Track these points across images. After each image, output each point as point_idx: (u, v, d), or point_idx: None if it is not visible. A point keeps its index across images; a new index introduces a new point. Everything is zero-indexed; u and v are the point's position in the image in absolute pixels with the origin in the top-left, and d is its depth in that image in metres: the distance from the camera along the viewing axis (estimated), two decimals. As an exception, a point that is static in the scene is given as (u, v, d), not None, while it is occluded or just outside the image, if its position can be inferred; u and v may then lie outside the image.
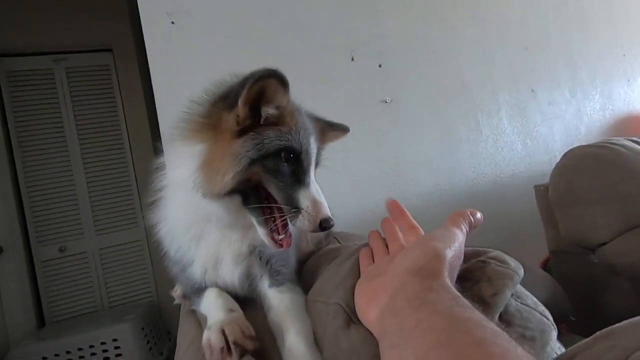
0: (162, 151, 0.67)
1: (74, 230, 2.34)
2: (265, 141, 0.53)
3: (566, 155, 1.32)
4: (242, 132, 0.53)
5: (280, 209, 0.54)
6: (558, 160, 1.33)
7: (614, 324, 0.34)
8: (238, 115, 0.53)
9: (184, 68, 1.34)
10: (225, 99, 0.54)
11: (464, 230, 0.46)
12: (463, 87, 1.74)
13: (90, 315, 2.29)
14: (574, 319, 1.03)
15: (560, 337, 0.44)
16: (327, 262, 0.63)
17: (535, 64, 1.89)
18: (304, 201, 0.53)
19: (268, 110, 0.54)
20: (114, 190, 2.42)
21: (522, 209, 1.75)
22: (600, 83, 2.05)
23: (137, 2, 1.31)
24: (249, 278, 0.62)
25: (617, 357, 0.28)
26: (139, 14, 1.31)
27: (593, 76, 2.03)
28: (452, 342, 0.28)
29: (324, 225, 0.53)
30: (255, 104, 0.53)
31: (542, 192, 1.38)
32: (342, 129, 0.70)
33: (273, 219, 0.55)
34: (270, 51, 1.44)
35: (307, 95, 1.46)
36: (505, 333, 0.30)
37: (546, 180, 1.36)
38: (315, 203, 0.54)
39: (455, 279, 0.42)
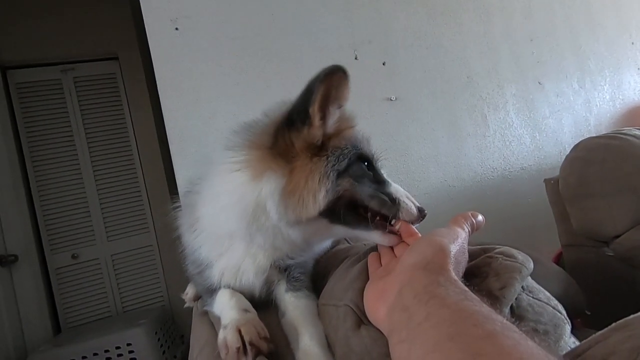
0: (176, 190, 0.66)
1: (86, 237, 2.37)
2: (345, 151, 0.53)
3: (576, 147, 1.30)
4: (320, 150, 0.53)
5: (374, 214, 0.53)
6: (568, 153, 1.31)
7: (630, 316, 0.33)
8: (313, 126, 0.52)
9: (189, 73, 1.35)
10: (292, 120, 0.53)
11: (466, 230, 0.48)
12: (469, 82, 1.72)
13: (105, 321, 2.33)
14: (589, 313, 1.01)
15: (575, 332, 0.43)
16: (337, 263, 0.64)
17: (541, 55, 1.87)
18: (398, 194, 0.54)
19: (335, 114, 0.54)
20: (124, 197, 2.45)
21: (532, 203, 1.73)
22: (609, 73, 2.01)
23: (141, 10, 1.32)
24: (267, 284, 0.63)
25: (633, 347, 0.27)
26: (143, 21, 1.33)
27: (601, 66, 1.99)
28: (462, 335, 0.28)
29: (422, 213, 0.54)
30: (325, 108, 0.53)
31: (552, 185, 1.36)
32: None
33: (373, 220, 0.53)
34: (275, 53, 1.45)
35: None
36: (514, 326, 0.30)
37: (556, 173, 1.34)
38: (407, 196, 0.55)
39: (461, 274, 0.42)
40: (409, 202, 0.54)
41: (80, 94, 2.42)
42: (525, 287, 0.42)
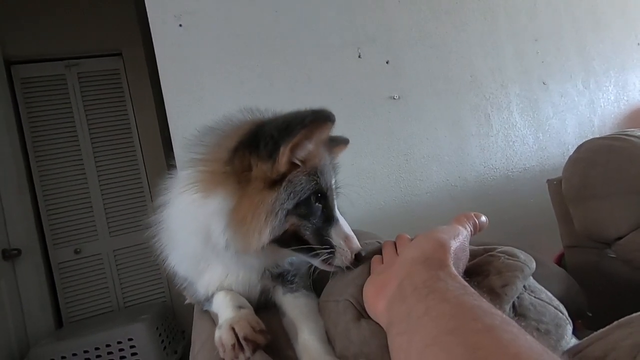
0: (175, 166, 0.63)
1: (89, 233, 2.39)
2: (297, 188, 0.51)
3: (580, 148, 1.29)
4: (274, 182, 0.50)
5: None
6: (571, 154, 1.31)
7: (632, 318, 0.33)
8: (279, 163, 0.49)
9: (193, 70, 1.35)
10: (253, 146, 0.49)
11: (468, 229, 0.48)
12: (472, 81, 1.72)
13: (106, 316, 2.34)
14: (590, 314, 1.01)
15: (576, 333, 0.43)
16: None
17: (546, 55, 1.86)
18: (337, 239, 0.53)
19: (306, 149, 0.51)
20: (126, 192, 2.46)
21: (534, 204, 1.72)
22: (614, 73, 2.00)
23: (145, 6, 1.32)
24: (264, 293, 0.63)
25: (634, 344, 0.28)
26: (147, 17, 1.33)
27: (606, 66, 1.98)
28: (461, 328, 0.29)
29: (358, 258, 0.54)
30: (297, 148, 0.51)
31: (555, 186, 1.36)
32: (343, 142, 0.69)
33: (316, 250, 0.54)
34: (277, 50, 1.45)
35: (314, 94, 1.48)
36: (513, 321, 0.30)
37: (559, 174, 1.34)
38: (347, 238, 0.54)
39: (462, 271, 0.42)
40: (348, 246, 0.53)
41: (84, 89, 2.42)
42: (527, 286, 0.43)
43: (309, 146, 0.52)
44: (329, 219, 0.54)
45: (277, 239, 0.51)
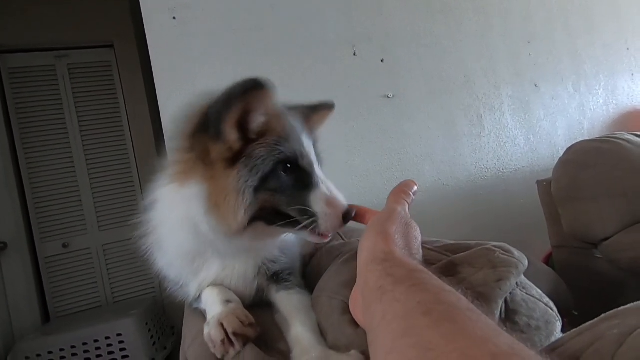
0: (165, 154, 0.62)
1: (78, 227, 2.35)
2: (257, 162, 0.49)
3: (569, 150, 1.31)
4: (233, 160, 0.49)
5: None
6: (561, 155, 1.33)
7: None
8: (227, 141, 0.48)
9: (186, 63, 1.34)
10: (205, 129, 0.49)
11: (403, 202, 0.47)
12: (465, 82, 1.73)
13: (95, 311, 2.31)
14: (576, 313, 1.03)
15: (564, 332, 0.44)
16: (331, 260, 0.64)
17: (538, 58, 1.88)
18: (317, 205, 0.51)
19: (256, 122, 0.50)
20: (116, 186, 2.43)
21: (524, 204, 1.74)
22: (604, 77, 2.03)
23: (138, -2, 1.30)
24: (259, 292, 0.63)
25: (621, 334, 0.28)
26: (140, 9, 1.31)
27: (597, 70, 2.01)
28: (413, 328, 0.28)
29: (347, 217, 0.51)
30: (243, 121, 0.49)
31: (545, 187, 1.38)
32: (326, 108, 0.65)
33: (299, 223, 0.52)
34: (273, 47, 1.44)
35: (308, 91, 1.48)
36: (464, 298, 0.29)
37: (549, 175, 1.36)
38: (330, 200, 0.51)
39: (420, 243, 0.42)
40: (333, 208, 0.51)
41: (74, 81, 2.38)
42: (519, 283, 0.43)
43: (260, 117, 0.50)
44: (307, 185, 0.52)
45: (257, 217, 0.50)
